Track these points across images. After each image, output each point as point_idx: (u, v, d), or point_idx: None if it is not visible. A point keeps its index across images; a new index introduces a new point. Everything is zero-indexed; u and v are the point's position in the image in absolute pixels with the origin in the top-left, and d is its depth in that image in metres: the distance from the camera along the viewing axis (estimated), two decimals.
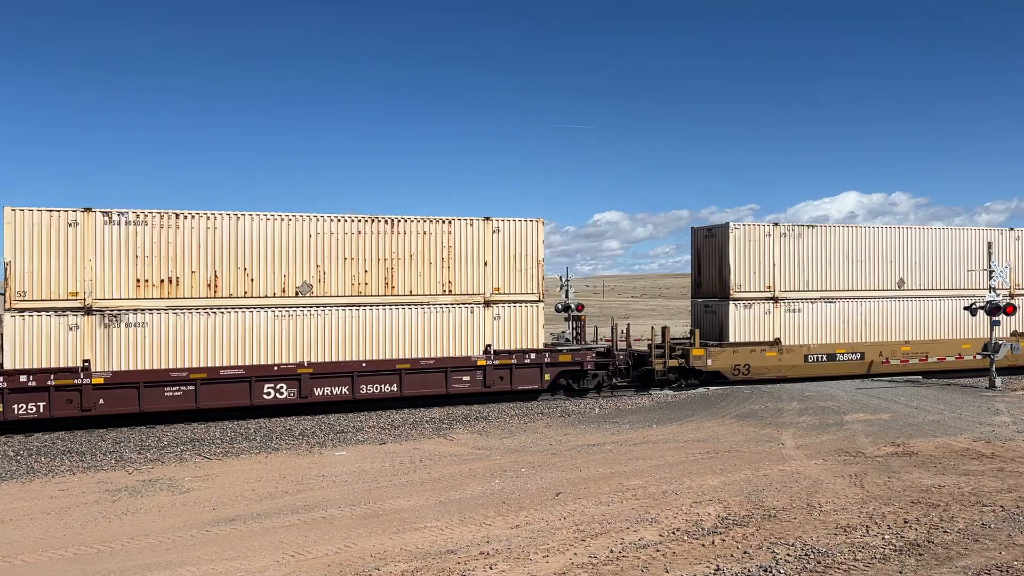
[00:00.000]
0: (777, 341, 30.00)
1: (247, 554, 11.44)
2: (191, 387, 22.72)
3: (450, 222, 25.71)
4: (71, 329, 21.85)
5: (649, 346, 29.78)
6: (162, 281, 22.69)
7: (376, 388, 24.81)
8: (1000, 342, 30.01)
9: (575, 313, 31.97)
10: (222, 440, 21.02)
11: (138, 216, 22.54)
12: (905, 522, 12.12)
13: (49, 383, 21.56)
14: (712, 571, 10.22)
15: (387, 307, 24.99)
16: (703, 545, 11.27)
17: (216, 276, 23.13)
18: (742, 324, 29.84)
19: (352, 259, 24.60)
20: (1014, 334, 32.46)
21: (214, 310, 23.09)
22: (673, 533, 11.83)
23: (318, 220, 24.42)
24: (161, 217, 22.77)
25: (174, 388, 22.66)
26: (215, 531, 12.70)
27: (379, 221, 24.98)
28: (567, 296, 36.79)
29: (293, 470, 17.30)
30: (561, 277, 38.05)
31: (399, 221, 25.18)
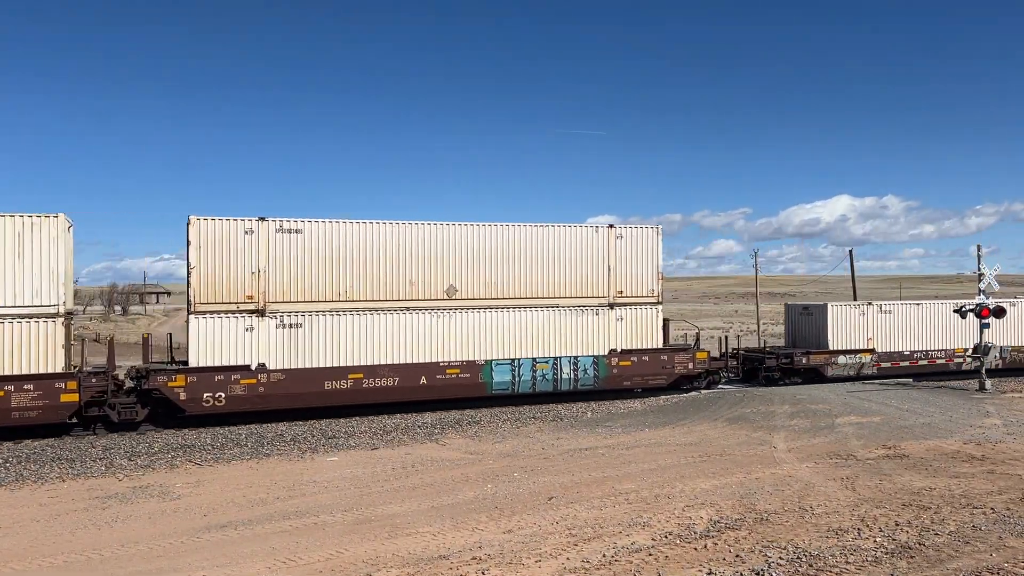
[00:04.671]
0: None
1: (238, 561, 11.38)
2: None
3: None
4: None
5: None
6: None
7: None
8: (989, 344, 30.18)
9: None
10: (213, 446, 20.93)
11: None
12: (896, 524, 12.15)
13: None
14: (704, 574, 10.22)
15: None
16: (695, 549, 11.28)
17: None
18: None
19: None
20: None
21: None
22: (665, 537, 11.83)
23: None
24: None
25: None
26: (206, 538, 12.64)
27: None
28: None
29: (284, 476, 17.23)
30: None
31: None
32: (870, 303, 34.19)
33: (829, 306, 33.20)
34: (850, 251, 52.42)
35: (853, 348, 33.00)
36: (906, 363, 33.56)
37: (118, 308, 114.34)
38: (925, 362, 33.89)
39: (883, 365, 33.18)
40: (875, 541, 11.40)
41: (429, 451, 19.84)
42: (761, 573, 10.18)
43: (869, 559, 10.66)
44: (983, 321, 29.93)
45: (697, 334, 31.94)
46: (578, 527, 12.45)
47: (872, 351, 33.12)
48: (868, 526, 12.12)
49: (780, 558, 10.73)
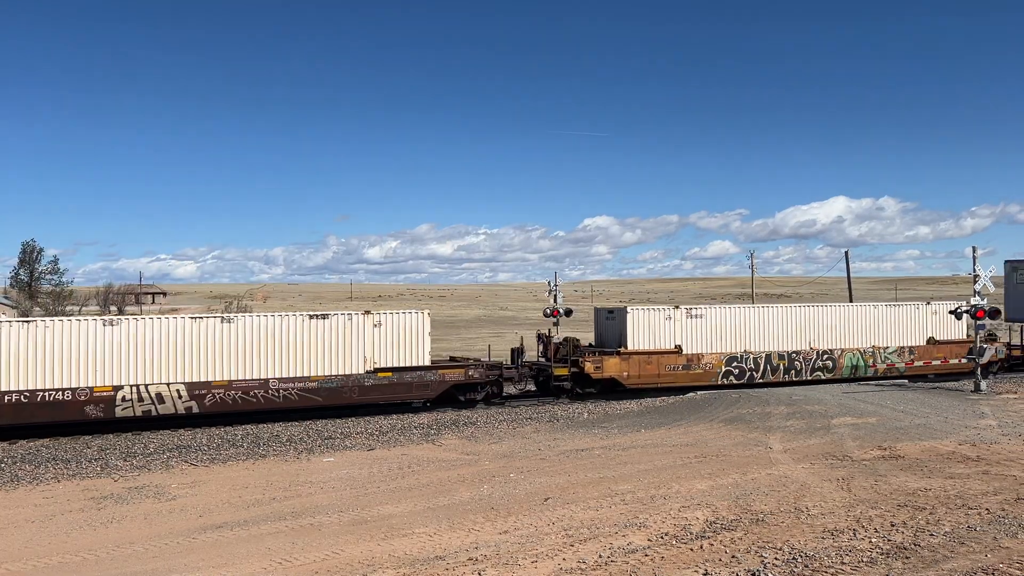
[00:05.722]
0: None
1: (234, 561, 11.37)
2: None
3: None
4: None
5: None
6: None
7: None
8: (984, 345, 30.26)
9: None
10: (209, 447, 20.90)
11: None
12: (892, 525, 12.17)
13: None
14: (700, 575, 10.22)
15: None
16: (691, 550, 11.28)
17: None
18: None
19: None
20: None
21: None
22: (662, 538, 11.84)
23: None
24: None
25: None
26: (202, 538, 12.62)
27: None
28: (555, 301, 36.80)
29: (280, 476, 17.22)
30: (549, 282, 38.11)
31: None
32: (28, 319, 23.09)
33: None
34: (846, 252, 52.48)
35: None
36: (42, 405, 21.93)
37: (113, 308, 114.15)
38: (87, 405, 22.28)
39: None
40: (870, 542, 11.42)
41: (425, 452, 19.83)
42: (757, 574, 10.19)
43: (864, 560, 10.67)
44: (979, 322, 30.01)
45: None
46: (574, 528, 12.45)
47: None
48: (863, 527, 12.13)
49: (776, 559, 10.74)
